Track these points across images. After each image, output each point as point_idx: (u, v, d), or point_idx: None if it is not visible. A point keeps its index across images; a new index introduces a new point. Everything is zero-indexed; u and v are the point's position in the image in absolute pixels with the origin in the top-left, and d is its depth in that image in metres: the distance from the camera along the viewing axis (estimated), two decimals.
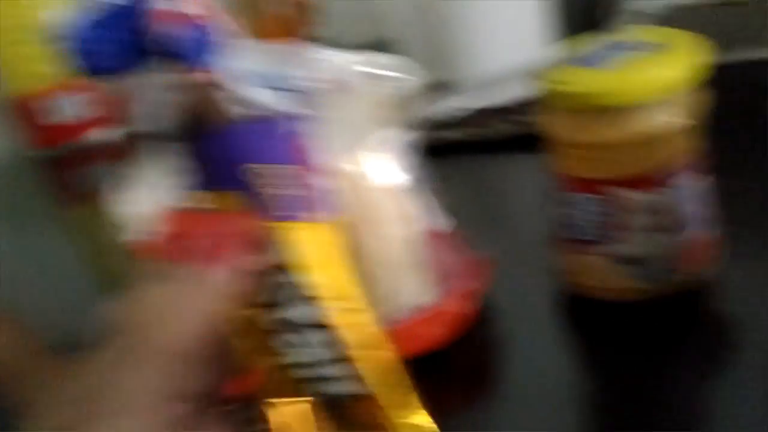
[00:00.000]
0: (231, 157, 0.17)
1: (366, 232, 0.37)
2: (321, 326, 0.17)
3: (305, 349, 0.17)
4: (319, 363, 0.17)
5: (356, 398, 0.17)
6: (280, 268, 0.17)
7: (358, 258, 0.39)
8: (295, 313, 0.17)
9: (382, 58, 0.38)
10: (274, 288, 0.17)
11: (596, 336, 0.38)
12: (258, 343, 0.17)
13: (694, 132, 0.36)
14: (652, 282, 0.37)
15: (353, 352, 0.17)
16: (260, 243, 0.17)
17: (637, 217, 0.35)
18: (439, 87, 0.55)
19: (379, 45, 0.42)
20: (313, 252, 0.17)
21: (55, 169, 0.53)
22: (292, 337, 0.17)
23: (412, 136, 0.39)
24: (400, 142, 0.38)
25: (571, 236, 0.38)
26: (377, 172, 0.36)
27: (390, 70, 0.37)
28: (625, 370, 0.35)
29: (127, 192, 0.37)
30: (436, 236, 0.40)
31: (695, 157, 0.36)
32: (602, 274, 0.37)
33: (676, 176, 0.35)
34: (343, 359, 0.17)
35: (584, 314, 0.40)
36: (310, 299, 0.17)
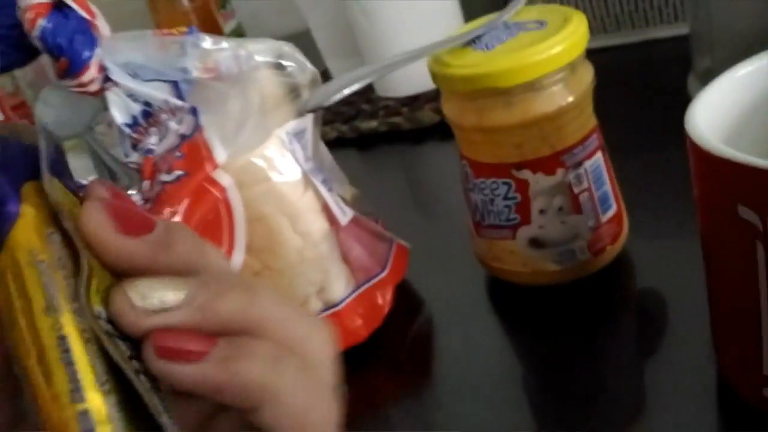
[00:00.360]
0: None
1: (283, 227, 0.36)
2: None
3: None
4: None
5: None
6: None
7: (279, 254, 0.38)
8: None
9: (285, 46, 0.36)
10: None
11: (522, 320, 0.38)
12: None
13: (590, 112, 0.36)
14: (565, 264, 0.37)
15: None
16: None
17: (542, 200, 0.35)
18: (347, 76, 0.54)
19: (296, 37, 0.41)
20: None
21: None
22: None
23: (317, 125, 0.38)
24: (306, 133, 0.37)
25: (484, 222, 0.37)
26: (284, 164, 0.35)
27: (290, 59, 0.36)
28: (553, 351, 0.35)
29: None
30: (357, 227, 0.39)
31: (594, 137, 0.36)
32: (517, 258, 0.37)
33: (576, 157, 0.35)
34: None
35: (507, 299, 0.39)
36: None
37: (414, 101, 0.64)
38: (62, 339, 0.17)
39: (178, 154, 0.33)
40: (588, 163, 0.35)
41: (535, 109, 0.33)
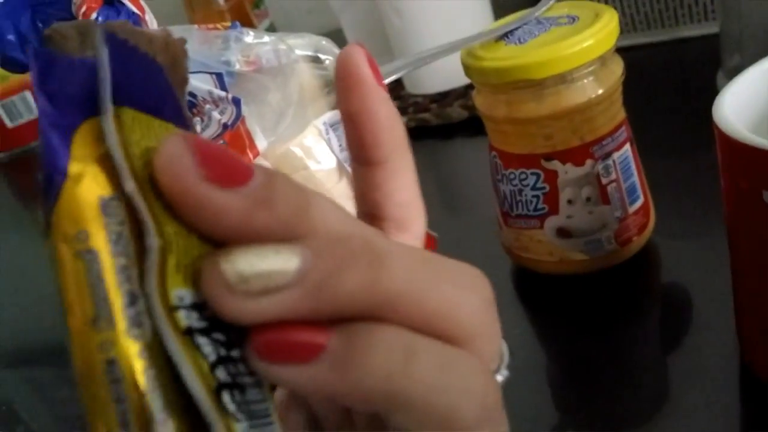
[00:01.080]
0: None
1: None
2: None
3: None
4: None
5: None
6: None
7: None
8: None
9: (322, 41, 0.38)
10: None
11: (548, 309, 0.39)
12: None
13: (620, 105, 0.36)
14: (592, 253, 0.37)
15: None
16: None
17: (570, 190, 0.36)
18: (382, 69, 0.56)
19: (327, 36, 0.42)
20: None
21: (20, 170, 0.52)
22: None
23: None
24: (341, 124, 0.38)
25: (513, 212, 0.38)
26: (321, 153, 0.37)
27: (328, 53, 0.37)
28: (578, 340, 0.36)
29: None
30: None
31: (623, 129, 0.37)
32: (544, 247, 0.38)
33: (605, 148, 0.36)
34: None
35: (533, 289, 0.40)
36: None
37: (443, 98, 0.65)
38: (111, 365, 0.13)
39: (221, 142, 0.34)
40: (617, 155, 0.36)
41: (566, 100, 0.34)
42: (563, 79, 0.33)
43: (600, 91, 0.34)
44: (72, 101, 0.13)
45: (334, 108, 0.36)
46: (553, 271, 0.39)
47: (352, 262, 0.14)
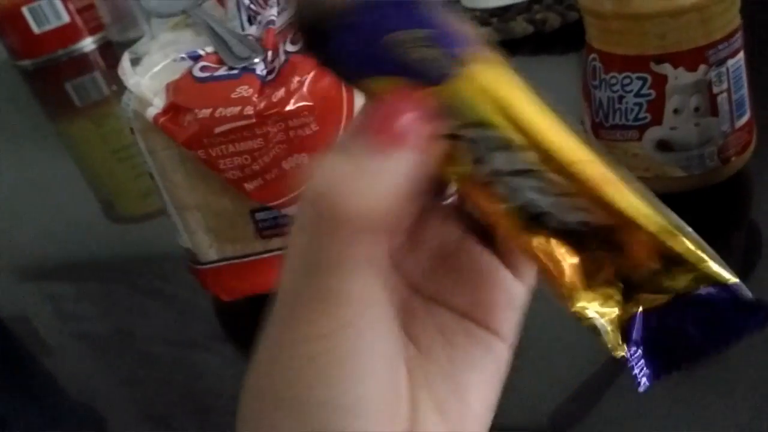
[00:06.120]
0: (370, 38, 0.16)
1: None
2: (528, 171, 0.17)
3: (524, 192, 0.17)
4: (539, 201, 0.17)
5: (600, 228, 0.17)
6: (467, 125, 0.16)
7: None
8: (500, 161, 0.16)
9: None
10: (470, 145, 0.16)
11: None
12: (479, 196, 0.17)
13: (738, 8, 0.33)
14: (691, 170, 0.35)
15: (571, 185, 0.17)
16: (435, 109, 0.16)
17: (678, 98, 0.33)
18: None
19: None
20: (491, 96, 0.16)
21: (47, 79, 0.49)
22: (509, 183, 0.17)
23: None
24: None
25: (607, 122, 0.36)
26: None
27: None
28: None
29: (137, 69, 0.34)
30: None
31: (739, 36, 0.33)
32: (640, 162, 0.35)
33: (721, 53, 0.32)
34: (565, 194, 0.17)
35: None
36: (506, 146, 0.17)
37: (504, 12, 0.61)
38: None
39: None
40: (731, 62, 0.33)
41: None
42: None
43: None
44: None
45: None
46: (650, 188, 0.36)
47: None
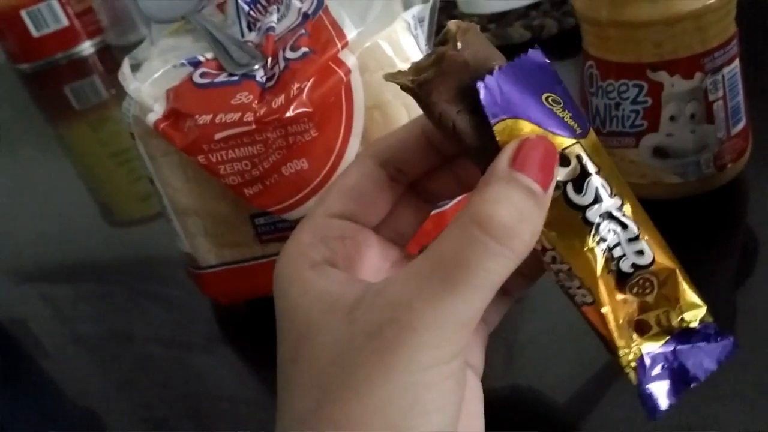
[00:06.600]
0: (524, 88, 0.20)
1: (401, 116, 0.34)
2: (615, 218, 0.21)
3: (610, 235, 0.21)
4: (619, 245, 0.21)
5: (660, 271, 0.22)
6: (580, 177, 0.20)
7: None
8: (598, 209, 0.21)
9: None
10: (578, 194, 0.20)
11: None
12: (574, 240, 0.21)
13: (733, 16, 0.33)
14: (687, 176, 0.35)
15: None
16: (560, 157, 0.20)
17: (674, 106, 0.33)
18: None
19: None
20: (599, 158, 0.21)
21: (46, 83, 0.49)
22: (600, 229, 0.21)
23: (433, 16, 0.36)
24: (425, 21, 0.35)
25: (605, 129, 0.36)
26: (409, 50, 0.33)
27: None
28: None
29: (137, 74, 0.34)
30: None
31: (735, 44, 0.34)
32: (636, 168, 0.36)
33: (716, 61, 0.33)
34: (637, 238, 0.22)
35: None
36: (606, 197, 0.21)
37: (501, 18, 0.62)
38: None
39: (302, 31, 0.31)
40: (726, 70, 0.33)
41: (682, 5, 0.31)
42: None
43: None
44: None
45: (423, 1, 0.33)
46: (642, 195, 0.36)
47: None
